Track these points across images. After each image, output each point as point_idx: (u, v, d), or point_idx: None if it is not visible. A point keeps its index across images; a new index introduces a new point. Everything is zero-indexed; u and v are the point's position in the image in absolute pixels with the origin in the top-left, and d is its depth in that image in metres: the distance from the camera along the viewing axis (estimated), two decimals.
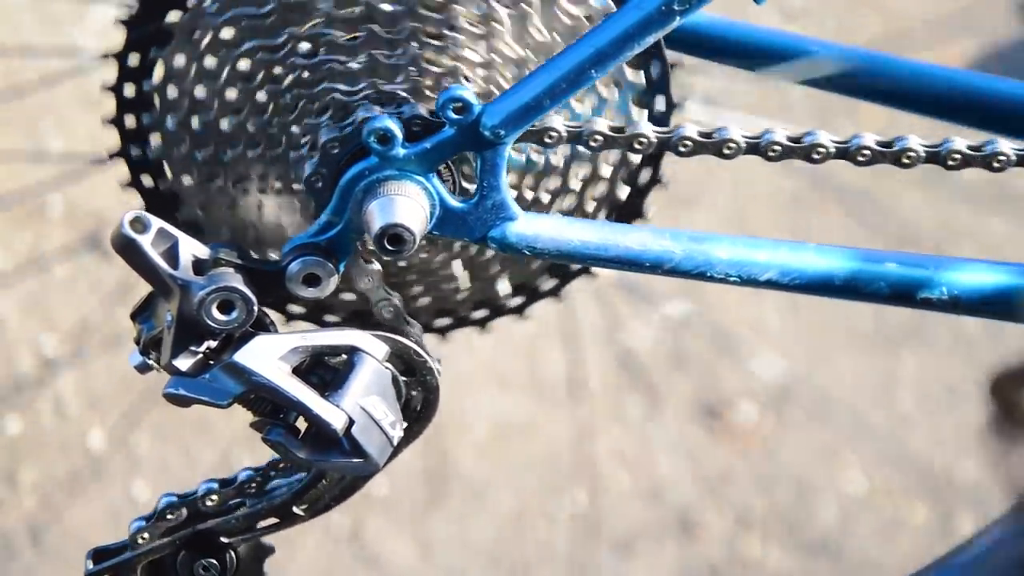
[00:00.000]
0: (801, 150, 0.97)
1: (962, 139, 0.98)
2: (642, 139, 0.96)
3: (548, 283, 1.11)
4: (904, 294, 0.97)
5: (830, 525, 2.11)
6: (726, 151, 0.96)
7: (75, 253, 2.25)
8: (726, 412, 2.20)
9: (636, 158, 1.05)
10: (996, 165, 0.97)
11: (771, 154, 0.97)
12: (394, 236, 0.91)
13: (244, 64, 1.00)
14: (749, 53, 1.17)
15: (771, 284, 0.96)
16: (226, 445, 2.07)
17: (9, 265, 2.24)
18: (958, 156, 0.97)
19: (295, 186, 1.03)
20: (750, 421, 2.19)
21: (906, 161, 0.97)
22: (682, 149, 0.96)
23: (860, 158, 0.97)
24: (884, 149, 0.97)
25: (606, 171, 1.05)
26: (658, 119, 1.02)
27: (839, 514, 2.12)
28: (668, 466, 2.13)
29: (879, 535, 2.11)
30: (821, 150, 0.97)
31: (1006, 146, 0.97)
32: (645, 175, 1.06)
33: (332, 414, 0.91)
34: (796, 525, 2.11)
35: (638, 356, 2.24)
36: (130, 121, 1.03)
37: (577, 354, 2.16)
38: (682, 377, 2.22)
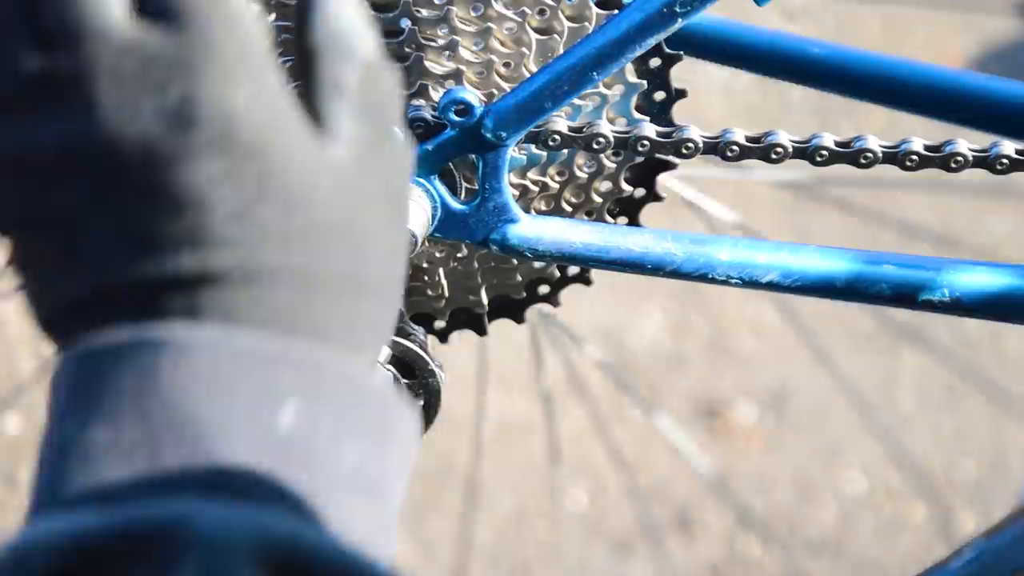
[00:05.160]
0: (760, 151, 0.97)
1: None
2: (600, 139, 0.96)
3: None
4: (906, 296, 0.97)
5: (830, 525, 2.11)
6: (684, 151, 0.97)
7: None
8: (725, 412, 2.20)
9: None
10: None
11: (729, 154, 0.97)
12: None
13: None
14: (750, 54, 1.16)
15: (773, 286, 0.96)
16: None
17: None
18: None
19: None
20: (750, 421, 2.19)
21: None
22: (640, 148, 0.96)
23: (819, 157, 0.97)
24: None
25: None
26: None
27: (839, 514, 2.12)
28: (668, 466, 2.13)
29: (879, 535, 2.11)
30: (779, 150, 0.97)
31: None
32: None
33: None
34: (796, 525, 2.11)
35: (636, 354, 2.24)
36: None
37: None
38: (682, 377, 2.22)
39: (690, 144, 0.96)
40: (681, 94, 1.00)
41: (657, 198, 1.03)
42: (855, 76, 1.13)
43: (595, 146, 0.96)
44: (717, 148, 0.96)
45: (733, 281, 0.96)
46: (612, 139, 0.96)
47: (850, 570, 2.08)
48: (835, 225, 2.31)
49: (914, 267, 0.97)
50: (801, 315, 2.18)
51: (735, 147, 0.96)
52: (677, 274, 0.96)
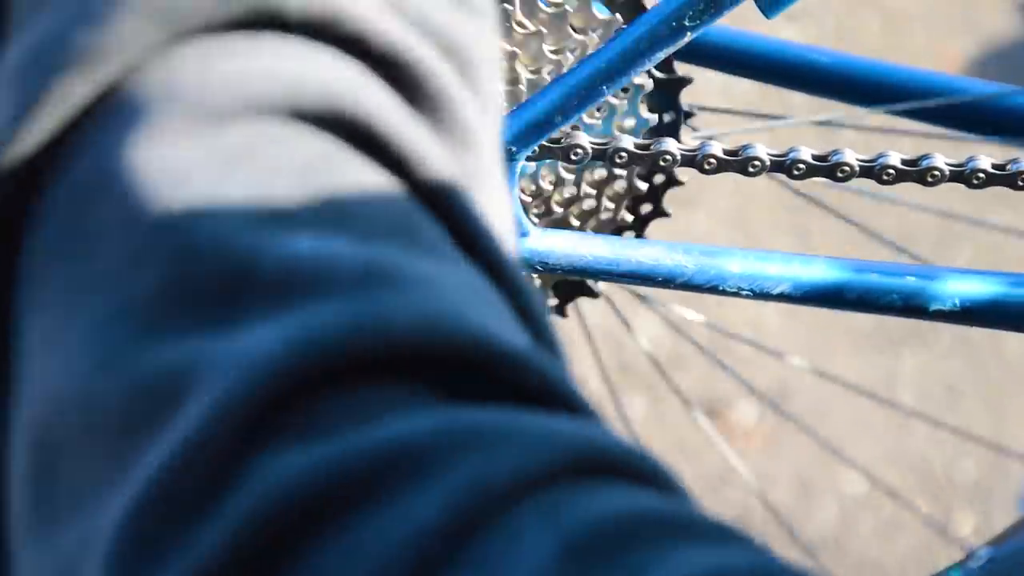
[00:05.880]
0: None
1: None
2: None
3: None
4: (917, 306, 0.97)
5: (830, 525, 2.11)
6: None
7: None
8: (725, 411, 2.20)
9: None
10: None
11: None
12: None
13: None
14: (753, 63, 1.17)
15: (783, 297, 0.97)
16: None
17: None
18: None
19: None
20: (750, 421, 2.20)
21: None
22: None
23: (796, 171, 0.98)
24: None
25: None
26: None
27: (839, 514, 2.12)
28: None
29: (879, 535, 2.11)
30: (757, 163, 0.97)
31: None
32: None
33: None
34: (796, 525, 2.11)
35: (637, 356, 2.24)
36: None
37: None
38: (682, 376, 2.22)
39: (668, 156, 0.96)
40: (688, 115, 1.01)
41: (664, 214, 1.04)
42: (858, 83, 1.13)
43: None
44: (695, 161, 0.97)
45: (744, 293, 0.96)
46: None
47: (850, 570, 2.09)
48: (833, 225, 2.31)
49: (925, 277, 0.97)
50: (801, 315, 2.19)
51: (712, 160, 0.96)
52: (688, 286, 0.97)
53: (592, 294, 1.10)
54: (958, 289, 0.97)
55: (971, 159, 0.98)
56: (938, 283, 0.97)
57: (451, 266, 0.40)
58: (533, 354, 0.39)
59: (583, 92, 0.92)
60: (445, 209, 0.42)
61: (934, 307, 0.97)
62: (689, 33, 0.92)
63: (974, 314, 0.98)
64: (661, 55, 0.92)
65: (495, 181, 0.47)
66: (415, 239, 0.40)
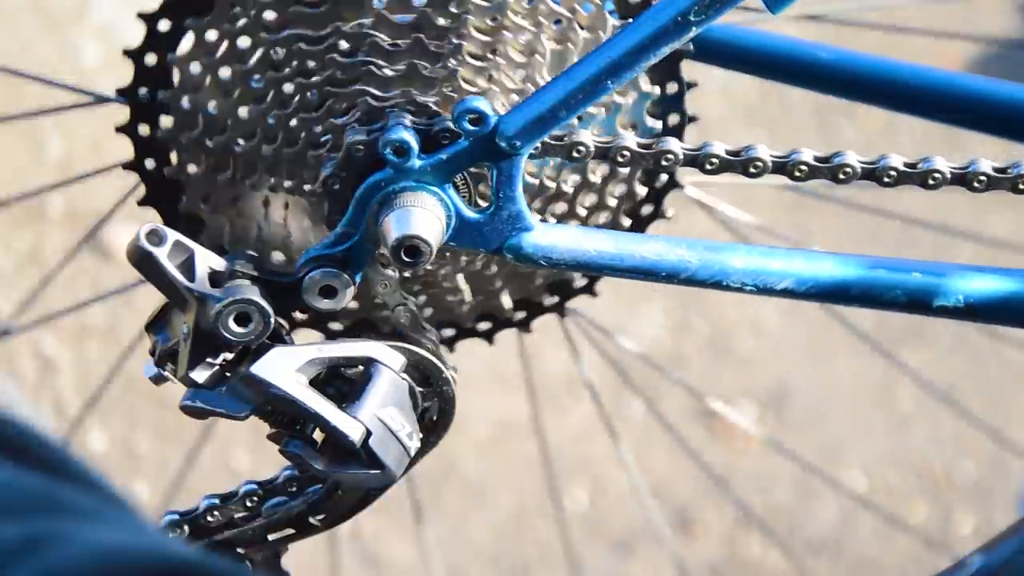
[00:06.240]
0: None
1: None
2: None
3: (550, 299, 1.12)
4: (921, 302, 0.97)
5: (830, 525, 2.11)
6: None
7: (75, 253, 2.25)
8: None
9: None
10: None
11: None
12: (411, 248, 0.91)
13: (278, 52, 0.99)
14: (760, 60, 1.17)
15: (787, 293, 0.96)
16: (226, 446, 2.07)
17: (9, 265, 2.24)
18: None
19: (306, 187, 1.02)
20: (750, 421, 2.19)
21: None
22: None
23: (708, 166, 0.97)
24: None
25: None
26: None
27: (839, 514, 2.12)
28: (668, 465, 2.13)
29: (879, 535, 2.11)
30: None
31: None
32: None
33: (349, 426, 0.90)
34: (796, 525, 2.11)
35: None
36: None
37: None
38: (681, 377, 2.22)
39: (581, 148, 0.95)
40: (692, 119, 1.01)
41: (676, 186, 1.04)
42: (862, 80, 1.13)
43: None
44: (606, 155, 0.96)
45: (748, 288, 0.96)
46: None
47: (850, 570, 2.08)
48: (835, 224, 2.31)
49: (929, 273, 0.97)
50: (801, 315, 2.18)
51: (624, 154, 0.96)
52: (691, 281, 0.96)
53: (591, 292, 1.10)
54: (963, 286, 0.97)
55: (883, 157, 0.98)
56: (943, 279, 0.97)
57: (96, 512, 0.47)
58: (231, 566, 0.44)
59: (588, 87, 0.92)
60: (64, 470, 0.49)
61: (938, 303, 0.97)
62: (694, 28, 0.92)
63: (979, 311, 0.98)
64: (666, 49, 0.92)
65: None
66: (59, 504, 0.46)
